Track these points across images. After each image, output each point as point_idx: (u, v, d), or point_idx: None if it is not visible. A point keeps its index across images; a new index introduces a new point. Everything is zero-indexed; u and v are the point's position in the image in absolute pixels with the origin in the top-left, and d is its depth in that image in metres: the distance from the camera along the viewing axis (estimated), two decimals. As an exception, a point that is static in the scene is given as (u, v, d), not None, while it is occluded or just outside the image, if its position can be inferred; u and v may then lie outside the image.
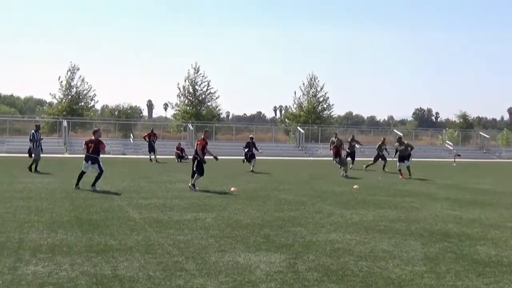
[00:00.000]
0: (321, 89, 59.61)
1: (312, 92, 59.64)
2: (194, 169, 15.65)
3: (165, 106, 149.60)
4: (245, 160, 25.51)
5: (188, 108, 55.74)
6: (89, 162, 15.08)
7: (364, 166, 26.41)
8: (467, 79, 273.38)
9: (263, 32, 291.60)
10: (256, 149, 25.38)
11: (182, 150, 34.03)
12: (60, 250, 7.28)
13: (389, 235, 9.05)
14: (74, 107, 52.68)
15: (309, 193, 15.48)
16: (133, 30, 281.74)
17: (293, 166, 30.32)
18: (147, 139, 32.35)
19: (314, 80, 59.67)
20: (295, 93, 60.51)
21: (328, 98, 59.76)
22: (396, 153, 23.36)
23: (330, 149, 36.15)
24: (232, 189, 15.60)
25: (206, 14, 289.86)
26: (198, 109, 55.83)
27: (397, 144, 23.52)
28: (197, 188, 15.37)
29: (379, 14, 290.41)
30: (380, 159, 26.47)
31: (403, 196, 15.25)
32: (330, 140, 37.25)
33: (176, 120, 56.68)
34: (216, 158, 16.93)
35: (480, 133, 60.79)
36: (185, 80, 56.44)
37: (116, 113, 64.95)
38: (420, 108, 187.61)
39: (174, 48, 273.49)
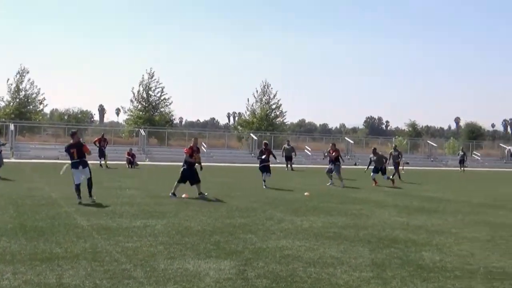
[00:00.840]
0: (274, 96, 60.08)
1: (265, 99, 59.97)
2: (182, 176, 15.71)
3: (117, 111, 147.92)
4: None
5: (141, 113, 55.18)
6: (80, 167, 13.55)
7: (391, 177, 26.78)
8: (416, 89, 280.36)
9: (218, 38, 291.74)
10: (274, 156, 22.45)
11: (133, 156, 33.55)
12: (2, 259, 7.06)
13: (338, 241, 9.17)
14: (22, 111, 51.37)
15: (261, 199, 15.52)
16: (86, 32, 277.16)
17: (246, 172, 30.35)
18: (97, 144, 31.79)
19: (267, 88, 60.07)
20: (248, 100, 60.80)
21: (281, 105, 60.30)
22: (370, 163, 23.94)
23: (283, 156, 36.49)
24: (183, 195, 15.48)
25: (161, 19, 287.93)
26: (151, 115, 55.35)
27: (371, 155, 24.07)
28: (177, 196, 15.34)
29: (331, 22, 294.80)
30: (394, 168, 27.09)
31: (353, 203, 15.47)
32: (283, 147, 37.55)
33: (128, 125, 56.00)
34: (201, 167, 16.28)
35: (428, 141, 62.35)
36: (139, 85, 55.97)
37: (66, 117, 63.57)
38: (371, 116, 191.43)
39: (127, 53, 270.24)
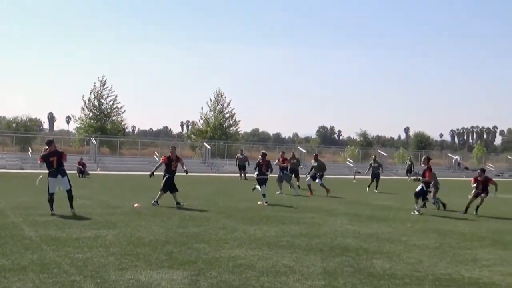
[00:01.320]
0: (228, 105, 60.20)
1: (219, 108, 60.01)
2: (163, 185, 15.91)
3: (68, 119, 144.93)
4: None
5: (92, 121, 54.25)
6: (58, 176, 13.23)
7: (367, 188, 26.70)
8: (368, 99, 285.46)
9: (173, 46, 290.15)
10: (269, 168, 18.80)
11: (83, 165, 32.92)
12: None
13: (291, 250, 9.23)
14: (-32, 118, 49.86)
15: (214, 209, 15.47)
16: (35, 38, 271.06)
17: (199, 182, 30.21)
18: (47, 153, 31.08)
19: (221, 96, 60.17)
20: (202, 109, 60.74)
21: (234, 114, 60.41)
22: (311, 170, 23.80)
23: (236, 165, 36.49)
24: (135, 205, 15.29)
25: (112, 27, 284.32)
26: (102, 123, 54.49)
27: (313, 161, 24.07)
28: (159, 204, 15.62)
29: (282, 31, 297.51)
30: (374, 178, 26.86)
31: (305, 212, 15.60)
32: (236, 157, 37.57)
33: (79, 134, 54.97)
34: (186, 171, 17.12)
35: (379, 151, 63.53)
36: (90, 93, 55.05)
37: (14, 125, 61.89)
38: (324, 126, 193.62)
39: (79, 60, 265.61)
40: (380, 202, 20.01)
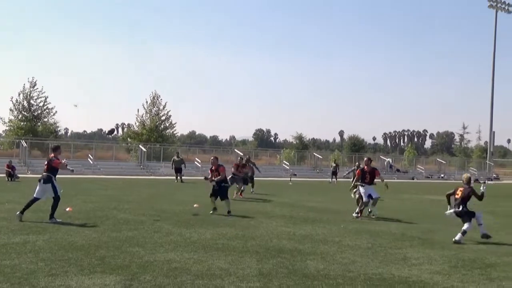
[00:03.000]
0: (164, 107, 59.60)
1: (155, 111, 59.35)
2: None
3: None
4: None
5: (22, 123, 52.43)
6: (42, 181, 12.68)
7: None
8: (303, 103, 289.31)
9: (107, 48, 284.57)
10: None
11: (13, 168, 31.76)
12: None
13: (226, 252, 9.23)
14: None
15: (149, 212, 15.27)
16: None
17: (134, 185, 29.75)
18: (-27, 156, 29.88)
19: (157, 99, 59.55)
20: (138, 111, 59.85)
21: (170, 116, 59.90)
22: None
23: (172, 168, 36.11)
24: (67, 209, 14.87)
25: (45, 27, 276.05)
26: (33, 125, 52.76)
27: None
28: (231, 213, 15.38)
29: (217, 33, 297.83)
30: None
31: (241, 214, 15.63)
32: (172, 159, 37.20)
33: (7, 136, 52.99)
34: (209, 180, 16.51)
35: (314, 154, 64.61)
36: (19, 94, 53.22)
37: None
38: (260, 128, 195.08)
39: (8, 60, 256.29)
40: (315, 204, 20.31)
